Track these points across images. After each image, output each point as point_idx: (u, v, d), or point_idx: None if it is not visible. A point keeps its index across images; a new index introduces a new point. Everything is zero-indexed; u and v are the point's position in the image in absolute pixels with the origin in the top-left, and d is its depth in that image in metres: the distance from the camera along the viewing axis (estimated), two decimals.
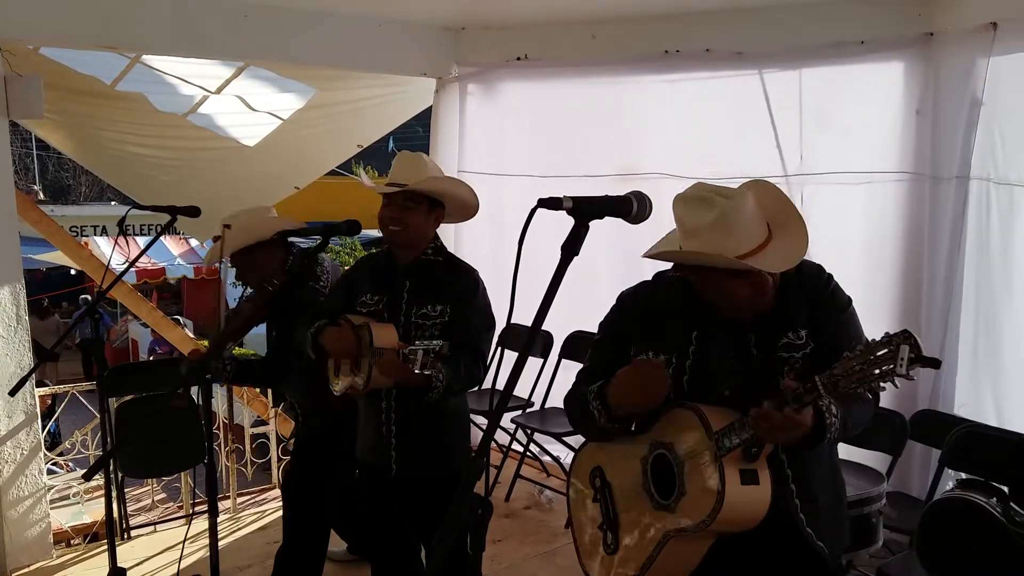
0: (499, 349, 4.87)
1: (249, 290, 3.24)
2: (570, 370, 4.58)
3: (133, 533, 4.43)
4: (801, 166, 4.19)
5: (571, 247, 1.53)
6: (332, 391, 2.81)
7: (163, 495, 6.51)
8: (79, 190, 23.23)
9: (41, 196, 19.68)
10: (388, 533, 2.88)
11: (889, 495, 3.11)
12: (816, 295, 1.93)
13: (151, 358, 12.95)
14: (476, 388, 2.93)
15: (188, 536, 3.43)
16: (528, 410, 4.72)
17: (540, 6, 4.52)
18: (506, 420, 4.57)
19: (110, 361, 12.70)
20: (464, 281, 2.72)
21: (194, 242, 14.39)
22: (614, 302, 2.12)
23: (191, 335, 8.44)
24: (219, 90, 5.48)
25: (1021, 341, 3.61)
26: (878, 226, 4.05)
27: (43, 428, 4.21)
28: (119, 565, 3.21)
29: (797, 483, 1.92)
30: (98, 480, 4.34)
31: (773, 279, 1.88)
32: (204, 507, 3.12)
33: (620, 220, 1.61)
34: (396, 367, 2.42)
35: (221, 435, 5.09)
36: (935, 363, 1.56)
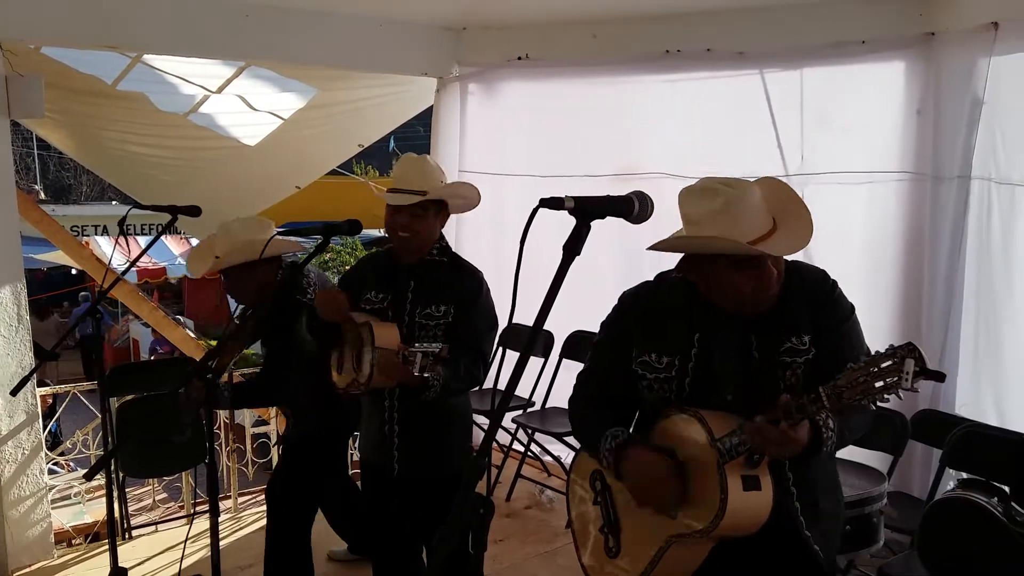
0: (500, 349, 4.87)
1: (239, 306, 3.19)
2: (571, 370, 4.58)
3: (134, 533, 4.43)
4: (802, 166, 4.20)
5: (573, 247, 1.52)
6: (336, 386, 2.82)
7: (164, 495, 6.52)
8: (80, 190, 23.23)
9: (42, 196, 19.68)
10: (389, 533, 2.88)
11: (890, 495, 3.11)
12: (819, 300, 1.92)
13: (152, 358, 12.96)
14: (477, 388, 2.93)
15: (189, 536, 3.44)
16: (529, 410, 4.72)
17: (541, 6, 4.52)
18: (507, 420, 4.57)
19: (112, 361, 12.72)
20: (468, 282, 2.72)
21: (195, 241, 14.37)
22: (616, 302, 2.11)
23: (192, 335, 8.43)
24: (220, 90, 5.48)
25: (1022, 341, 3.61)
26: (879, 226, 4.05)
27: (44, 428, 4.21)
28: (120, 565, 3.20)
29: (798, 487, 1.92)
30: (99, 480, 4.35)
31: (777, 272, 1.86)
32: (205, 507, 3.13)
33: (622, 220, 1.61)
34: (395, 368, 2.43)
35: (222, 435, 5.10)
36: (940, 376, 1.55)
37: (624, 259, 4.49)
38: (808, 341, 1.88)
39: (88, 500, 5.04)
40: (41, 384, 4.66)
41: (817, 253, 3.72)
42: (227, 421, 5.12)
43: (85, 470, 3.04)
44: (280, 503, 3.30)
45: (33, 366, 3.84)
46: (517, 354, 1.46)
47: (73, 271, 15.66)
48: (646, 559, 1.92)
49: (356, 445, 5.04)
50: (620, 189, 1.66)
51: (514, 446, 4.82)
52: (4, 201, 3.86)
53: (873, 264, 4.03)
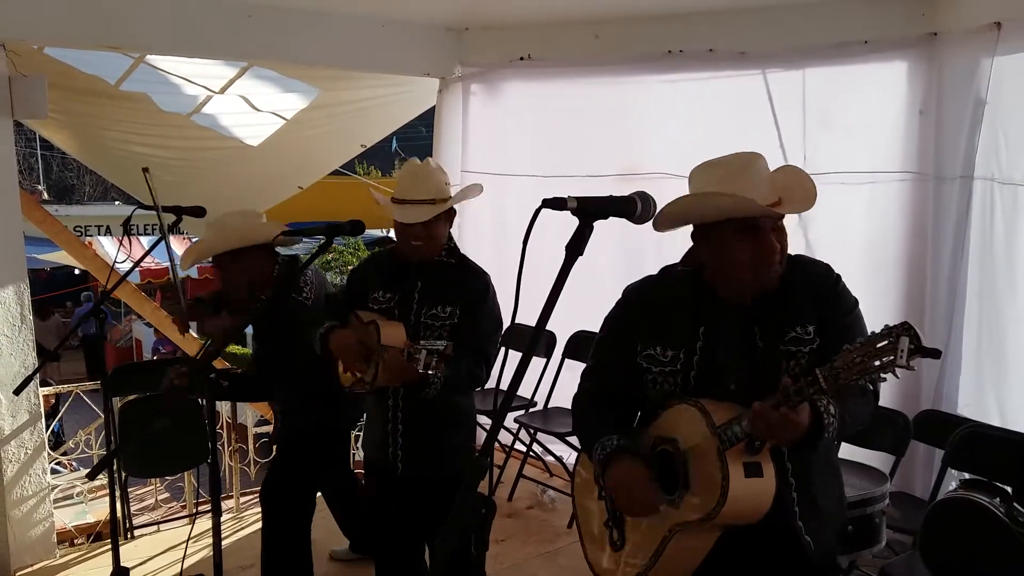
0: (503, 349, 4.87)
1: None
2: (574, 370, 4.58)
3: (136, 532, 4.44)
4: (804, 166, 4.13)
5: (575, 247, 1.53)
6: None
7: (166, 495, 6.54)
8: (83, 190, 23.28)
9: (45, 196, 19.73)
10: (390, 532, 2.88)
11: (892, 495, 3.11)
12: (823, 293, 1.94)
13: (155, 358, 12.97)
14: (479, 389, 2.93)
15: (191, 535, 3.44)
16: (531, 410, 4.72)
17: (543, 6, 4.52)
18: (509, 420, 4.58)
19: (115, 361, 12.73)
20: (475, 283, 2.73)
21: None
22: (619, 296, 2.12)
23: (195, 335, 8.44)
24: (223, 90, 5.49)
25: None
26: (881, 226, 4.05)
27: (47, 428, 4.21)
28: (122, 564, 3.21)
29: (796, 478, 1.92)
30: (101, 480, 4.37)
31: (781, 248, 1.88)
32: (207, 507, 3.14)
33: (624, 220, 1.61)
34: (400, 366, 2.43)
35: (224, 435, 5.11)
36: (935, 353, 1.56)
37: (627, 259, 4.49)
38: (813, 331, 1.90)
39: (90, 500, 5.05)
40: (44, 384, 4.67)
41: (819, 253, 3.73)
42: (229, 421, 5.13)
43: (87, 470, 3.04)
44: (275, 503, 3.30)
45: (36, 366, 3.84)
46: (519, 354, 1.46)
47: (76, 271, 15.69)
48: (650, 550, 1.93)
49: (359, 444, 5.06)
50: (622, 189, 1.67)
51: (516, 446, 4.82)
52: (8, 201, 3.86)
53: (875, 264, 4.03)
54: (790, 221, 1.93)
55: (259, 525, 4.41)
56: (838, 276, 1.97)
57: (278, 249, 3.22)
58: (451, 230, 2.79)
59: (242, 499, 4.82)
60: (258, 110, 5.82)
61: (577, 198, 1.55)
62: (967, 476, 3.11)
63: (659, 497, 1.88)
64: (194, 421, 3.91)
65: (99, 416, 4.63)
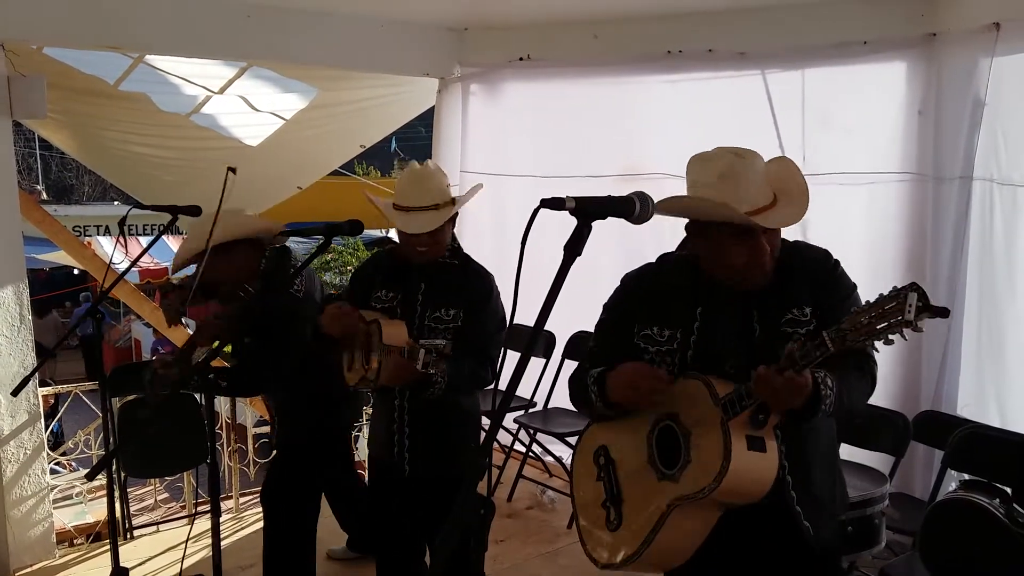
0: (502, 349, 4.87)
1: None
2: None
3: (136, 533, 4.43)
4: (804, 166, 4.11)
5: (574, 248, 1.52)
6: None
7: (166, 495, 6.53)
8: (82, 190, 23.26)
9: (44, 196, 19.70)
10: (391, 532, 2.88)
11: (892, 496, 3.10)
12: (821, 278, 1.95)
13: (154, 358, 12.94)
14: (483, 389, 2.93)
15: (190, 536, 3.43)
16: (531, 410, 4.72)
17: (542, 6, 4.52)
18: (509, 420, 4.57)
19: (114, 361, 12.72)
20: (479, 285, 2.72)
21: None
22: (619, 283, 2.14)
23: (187, 328, 8.42)
24: (222, 90, 5.49)
25: None
26: (881, 226, 4.05)
27: (46, 428, 4.21)
28: (122, 565, 3.20)
29: (791, 461, 1.92)
30: (101, 480, 4.36)
31: (771, 249, 1.90)
32: (206, 507, 3.13)
33: (623, 220, 1.61)
34: (401, 366, 2.43)
35: (224, 435, 5.10)
36: (944, 312, 1.55)
37: (627, 260, 4.45)
38: (809, 313, 1.91)
39: (90, 500, 5.04)
40: (43, 384, 4.67)
41: None
42: (228, 421, 5.13)
43: (87, 470, 3.04)
44: (276, 504, 3.29)
45: (35, 366, 3.84)
46: (518, 354, 1.45)
47: (75, 271, 15.68)
48: (648, 527, 1.91)
49: (358, 444, 5.06)
50: (622, 190, 1.66)
51: (516, 446, 4.81)
52: (6, 201, 3.86)
53: (875, 265, 4.02)
54: None
55: (258, 525, 4.43)
56: (836, 261, 1.99)
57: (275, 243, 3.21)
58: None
59: (241, 499, 4.82)
60: (257, 110, 5.82)
61: (575, 198, 1.55)
62: (967, 477, 3.10)
63: (665, 374, 1.89)
64: (193, 421, 3.91)
65: (98, 416, 4.62)
